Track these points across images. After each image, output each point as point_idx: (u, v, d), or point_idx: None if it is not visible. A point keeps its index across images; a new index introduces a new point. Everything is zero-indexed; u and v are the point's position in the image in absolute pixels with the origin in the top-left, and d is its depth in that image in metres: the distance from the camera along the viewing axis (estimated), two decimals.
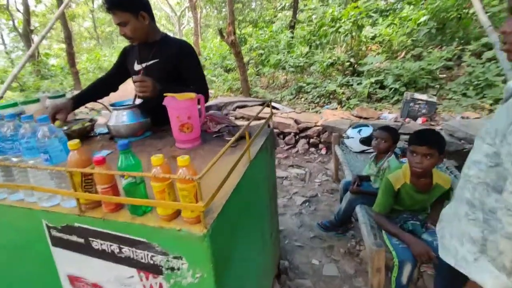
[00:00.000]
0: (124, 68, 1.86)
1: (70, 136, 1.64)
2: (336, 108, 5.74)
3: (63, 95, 1.86)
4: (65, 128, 1.68)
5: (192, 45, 1.79)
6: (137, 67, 1.77)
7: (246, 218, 1.24)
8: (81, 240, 0.98)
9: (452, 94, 4.87)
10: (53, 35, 19.20)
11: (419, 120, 3.94)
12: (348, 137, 3.10)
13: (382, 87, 5.82)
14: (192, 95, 1.39)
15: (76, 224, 0.97)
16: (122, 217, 0.92)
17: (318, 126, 4.34)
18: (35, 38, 10.99)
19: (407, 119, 4.02)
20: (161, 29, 1.85)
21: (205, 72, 8.83)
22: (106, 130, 1.74)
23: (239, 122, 5.02)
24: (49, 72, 12.06)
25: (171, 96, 1.37)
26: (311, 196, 3.10)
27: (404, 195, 1.65)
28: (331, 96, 6.21)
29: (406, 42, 6.62)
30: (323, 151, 4.17)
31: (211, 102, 5.67)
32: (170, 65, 1.71)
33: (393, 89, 5.45)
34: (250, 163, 1.24)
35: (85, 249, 0.99)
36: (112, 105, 1.66)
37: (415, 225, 1.61)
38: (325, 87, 6.34)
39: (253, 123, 1.49)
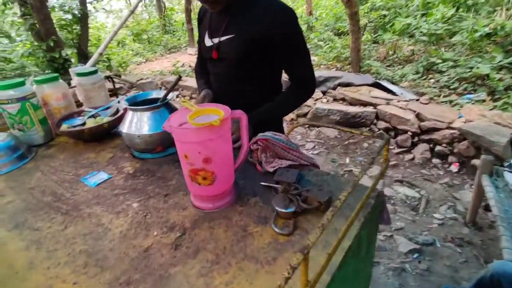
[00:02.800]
0: None
1: (80, 136, 1.18)
2: (484, 101, 4.03)
3: (95, 72, 1.40)
4: (78, 121, 1.22)
5: (295, 11, 1.06)
6: (208, 42, 1.19)
7: None
8: None
9: None
10: None
11: None
12: None
13: None
14: (216, 120, 0.67)
15: None
16: None
17: (452, 129, 3.01)
18: None
19: None
20: None
21: (312, 35, 7.73)
22: None
23: (337, 106, 3.99)
24: (172, 27, 12.89)
25: (179, 113, 0.70)
26: (424, 243, 2.09)
27: None
28: (479, 82, 4.41)
29: None
30: (454, 168, 2.90)
31: None
32: (252, 44, 1.06)
33: None
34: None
35: None
36: (132, 104, 1.09)
37: None
38: (472, 67, 4.54)
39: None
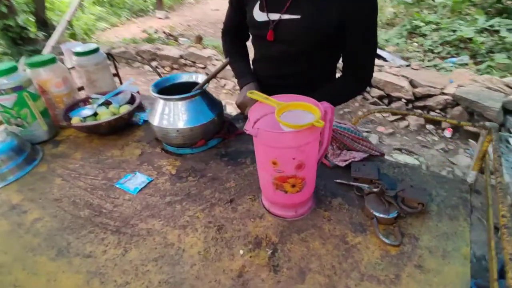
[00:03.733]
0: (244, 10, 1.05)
1: (97, 130, 1.01)
2: (467, 64, 4.13)
3: (97, 49, 1.17)
4: (88, 111, 1.04)
5: None
6: (260, 16, 0.95)
7: None
8: None
9: None
10: None
11: None
12: None
13: None
14: (319, 121, 0.55)
15: None
16: None
17: (445, 94, 3.06)
18: None
19: None
20: None
21: None
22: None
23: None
24: None
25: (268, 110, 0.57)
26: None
27: None
28: (462, 46, 4.48)
29: None
30: (448, 134, 2.99)
31: None
32: (323, 30, 0.88)
33: None
34: None
35: None
36: (159, 91, 0.92)
37: None
38: (455, 30, 4.59)
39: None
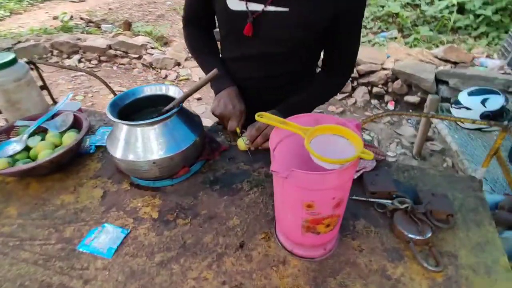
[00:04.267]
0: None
1: (33, 173, 0.76)
2: (396, 38, 4.44)
3: (14, 60, 0.86)
4: (15, 146, 0.78)
5: None
6: (236, 4, 0.77)
7: None
8: None
9: None
10: None
11: None
12: (459, 106, 2.12)
13: (460, 10, 4.38)
14: (369, 153, 0.44)
15: None
16: None
17: (385, 69, 3.24)
18: None
19: None
20: None
21: None
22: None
23: None
24: None
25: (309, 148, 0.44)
26: None
27: None
28: (390, 20, 4.79)
29: None
30: (391, 106, 3.19)
31: None
32: (313, 26, 0.76)
33: (481, 16, 4.05)
34: None
35: None
36: (118, 111, 0.72)
37: None
38: (383, 6, 4.86)
39: None
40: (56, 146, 0.80)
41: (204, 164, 0.82)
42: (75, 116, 0.87)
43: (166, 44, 4.48)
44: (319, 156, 0.44)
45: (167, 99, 0.75)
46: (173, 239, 0.64)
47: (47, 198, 0.74)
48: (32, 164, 0.70)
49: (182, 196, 0.73)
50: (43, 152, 0.75)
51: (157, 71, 3.93)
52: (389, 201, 0.65)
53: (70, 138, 0.79)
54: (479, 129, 2.11)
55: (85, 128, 0.81)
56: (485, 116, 2.01)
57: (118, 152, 0.70)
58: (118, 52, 3.91)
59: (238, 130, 0.83)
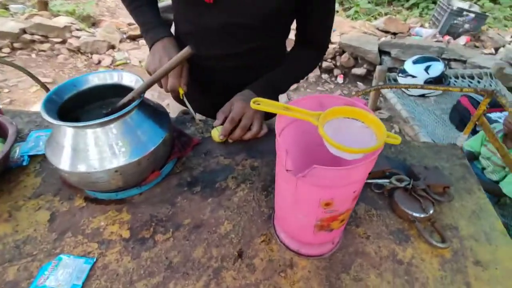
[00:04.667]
0: None
1: None
2: (338, 12, 4.53)
3: None
4: None
5: None
6: None
7: None
8: None
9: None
10: None
11: (462, 40, 3.13)
12: (405, 75, 2.23)
13: None
14: (397, 137, 0.38)
15: None
16: None
17: (333, 43, 3.28)
18: None
19: (446, 37, 3.17)
20: None
21: None
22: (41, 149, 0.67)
23: None
24: None
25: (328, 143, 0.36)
26: None
27: None
28: None
29: None
30: (340, 80, 3.28)
31: None
32: None
33: None
34: None
35: None
36: (59, 110, 0.55)
37: None
38: None
39: None
40: None
41: (176, 163, 0.70)
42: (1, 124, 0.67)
43: (94, 24, 3.95)
44: (340, 145, 0.36)
45: (120, 89, 0.61)
46: (155, 261, 0.52)
47: None
48: None
49: (156, 206, 0.61)
50: None
51: (88, 56, 3.46)
52: (386, 180, 0.62)
53: None
54: (423, 95, 2.27)
55: (12, 135, 0.62)
56: (428, 82, 2.16)
57: (64, 162, 0.55)
58: (36, 37, 3.33)
59: (181, 91, 0.71)
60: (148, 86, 0.56)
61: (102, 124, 0.53)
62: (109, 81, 0.62)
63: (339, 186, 0.38)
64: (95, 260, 0.53)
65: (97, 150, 0.54)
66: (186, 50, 0.53)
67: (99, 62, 3.38)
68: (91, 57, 3.44)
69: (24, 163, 0.68)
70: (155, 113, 0.63)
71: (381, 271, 0.51)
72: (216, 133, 0.72)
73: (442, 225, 0.58)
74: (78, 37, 3.45)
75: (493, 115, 1.94)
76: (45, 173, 0.67)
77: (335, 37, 3.32)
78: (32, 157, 0.70)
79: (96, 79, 0.62)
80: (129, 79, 0.61)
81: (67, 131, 0.55)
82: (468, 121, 2.12)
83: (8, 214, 0.59)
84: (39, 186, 0.65)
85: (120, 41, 3.65)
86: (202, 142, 0.75)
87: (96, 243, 0.55)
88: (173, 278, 0.50)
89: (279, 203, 0.50)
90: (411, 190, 0.59)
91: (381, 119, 2.97)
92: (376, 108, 2.77)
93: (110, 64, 3.37)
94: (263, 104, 0.43)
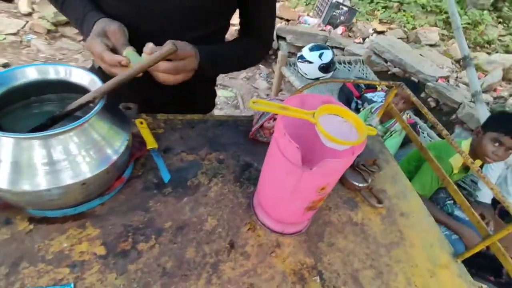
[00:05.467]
0: None
1: None
2: None
3: None
4: None
5: None
6: None
7: None
8: None
9: None
10: None
11: (339, 30, 3.68)
12: (304, 60, 2.51)
13: None
14: (360, 123, 0.49)
15: None
16: None
17: (234, 25, 3.34)
18: None
19: (328, 27, 3.67)
20: None
21: None
22: None
23: None
24: None
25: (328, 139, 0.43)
26: None
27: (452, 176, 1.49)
28: None
29: None
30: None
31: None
32: None
33: None
34: None
35: None
36: None
37: (452, 206, 1.54)
38: None
39: None
40: None
41: (135, 165, 0.64)
42: None
43: None
44: (336, 139, 0.43)
45: (49, 85, 0.51)
46: (146, 271, 0.50)
47: None
48: None
49: (127, 214, 0.56)
50: None
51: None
52: None
53: None
54: (317, 78, 2.61)
55: None
56: (322, 67, 2.49)
57: (3, 179, 0.44)
58: None
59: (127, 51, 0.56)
60: (117, 85, 0.49)
61: (63, 133, 0.45)
62: (42, 77, 0.51)
63: (337, 173, 0.46)
64: (72, 286, 0.46)
65: (57, 163, 0.46)
66: (170, 48, 0.49)
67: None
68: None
69: None
70: (114, 112, 0.55)
71: (345, 234, 0.63)
72: (132, 55, 0.56)
73: (376, 190, 0.74)
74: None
75: (369, 95, 2.42)
76: None
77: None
78: None
79: (29, 74, 0.50)
80: (78, 75, 0.52)
81: (6, 143, 0.43)
82: (351, 99, 2.52)
83: None
84: None
85: None
86: (159, 139, 0.70)
87: (66, 267, 0.48)
88: (172, 283, 0.49)
89: (270, 194, 0.54)
90: (354, 166, 0.73)
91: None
92: (279, 90, 3.03)
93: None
94: (262, 104, 0.45)
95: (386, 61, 3.29)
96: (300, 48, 2.82)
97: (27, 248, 0.48)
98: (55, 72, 0.51)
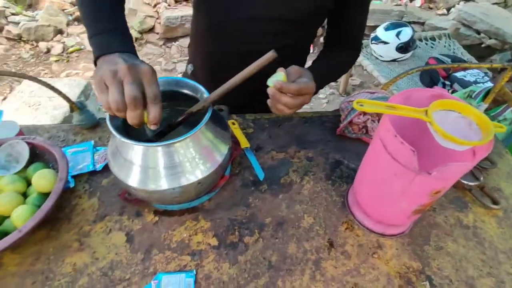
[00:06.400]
0: None
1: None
2: None
3: None
4: None
5: None
6: None
7: None
8: None
9: None
10: None
11: (418, 1, 3.29)
12: (378, 41, 2.32)
13: None
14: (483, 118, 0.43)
15: None
16: None
17: None
18: None
19: (403, 0, 3.31)
20: None
21: None
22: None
23: (190, 10, 3.14)
24: None
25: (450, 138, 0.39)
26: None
27: None
28: None
29: None
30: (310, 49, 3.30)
31: None
32: None
33: None
34: None
35: None
36: (119, 125, 0.51)
37: None
38: None
39: None
40: (24, 195, 0.54)
41: (232, 163, 0.69)
42: (31, 145, 0.59)
43: (31, 6, 3.45)
44: (458, 139, 0.40)
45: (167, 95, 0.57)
46: (254, 263, 0.54)
47: (46, 269, 0.52)
48: (15, 235, 0.46)
49: (231, 209, 0.61)
50: (18, 211, 0.50)
51: (33, 44, 3.06)
52: None
53: (46, 180, 0.54)
54: (394, 60, 2.39)
55: (62, 160, 0.56)
56: (400, 47, 2.27)
57: (132, 179, 0.51)
58: None
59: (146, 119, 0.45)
60: (223, 93, 0.53)
61: (181, 141, 0.51)
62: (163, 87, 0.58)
63: (456, 176, 0.42)
64: (195, 272, 0.52)
65: (178, 165, 0.52)
66: (271, 54, 0.51)
67: (48, 50, 3.01)
68: (37, 45, 3.04)
69: (70, 185, 0.63)
70: (215, 116, 0.60)
71: (454, 237, 0.58)
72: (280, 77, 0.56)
73: (489, 188, 0.66)
74: (17, 23, 3.01)
75: (459, 74, 2.13)
76: (98, 192, 0.63)
77: None
78: (75, 177, 0.64)
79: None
80: (191, 87, 0.58)
81: (136, 149, 0.51)
82: (436, 80, 2.26)
83: (78, 242, 0.55)
84: (98, 207, 0.60)
85: (68, 24, 3.25)
86: (250, 138, 0.74)
87: (187, 255, 0.54)
88: (279, 277, 0.52)
89: (371, 194, 0.53)
90: None
91: (354, 85, 3.10)
92: (349, 76, 2.87)
93: (62, 52, 3.02)
94: (367, 104, 0.44)
95: (478, 32, 2.82)
96: (372, 29, 2.61)
97: (155, 237, 0.57)
98: (167, 84, 0.58)
